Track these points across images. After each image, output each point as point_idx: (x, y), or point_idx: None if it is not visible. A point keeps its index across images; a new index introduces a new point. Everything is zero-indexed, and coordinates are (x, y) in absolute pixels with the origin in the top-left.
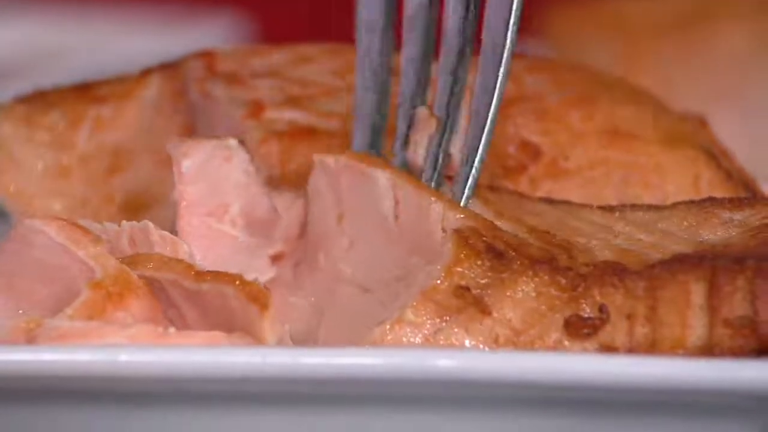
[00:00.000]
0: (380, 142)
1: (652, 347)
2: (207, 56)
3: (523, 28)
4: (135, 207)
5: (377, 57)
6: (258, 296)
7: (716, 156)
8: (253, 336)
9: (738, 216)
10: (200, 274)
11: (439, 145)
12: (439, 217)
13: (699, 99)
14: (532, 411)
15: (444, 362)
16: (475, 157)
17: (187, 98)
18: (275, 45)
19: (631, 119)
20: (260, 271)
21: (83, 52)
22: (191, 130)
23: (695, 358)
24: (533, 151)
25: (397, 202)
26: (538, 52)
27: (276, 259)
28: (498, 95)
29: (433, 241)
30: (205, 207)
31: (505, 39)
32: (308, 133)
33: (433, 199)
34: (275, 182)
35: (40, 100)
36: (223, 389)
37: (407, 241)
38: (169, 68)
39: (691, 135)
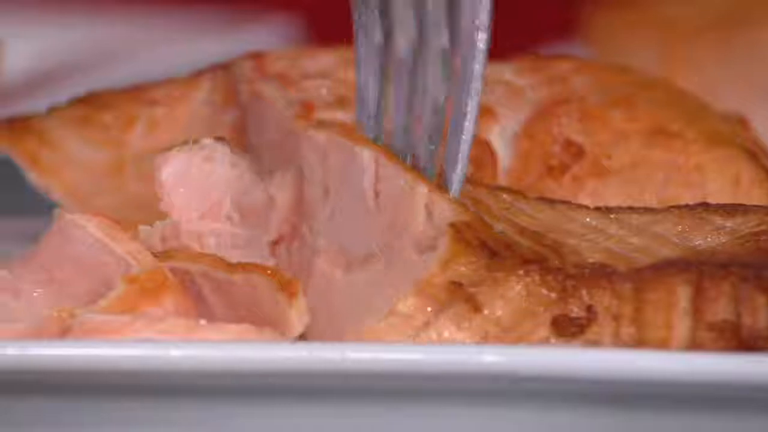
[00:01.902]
0: (381, 126)
1: (636, 348)
2: (257, 58)
3: (566, 30)
4: None
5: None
6: (287, 285)
7: (757, 155)
8: (280, 325)
9: (729, 223)
10: (232, 265)
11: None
12: (423, 199)
13: (740, 99)
14: (569, 405)
15: (490, 358)
16: (458, 154)
17: (237, 99)
18: (324, 47)
19: (673, 119)
20: (261, 261)
21: (137, 55)
22: (242, 131)
23: (743, 353)
24: (576, 151)
25: (378, 179)
26: (581, 54)
27: (275, 244)
28: (475, 90)
29: (417, 224)
30: (197, 210)
31: (480, 33)
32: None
33: (415, 179)
34: None
35: (95, 101)
36: (265, 383)
37: (387, 217)
38: (220, 70)
39: (732, 134)
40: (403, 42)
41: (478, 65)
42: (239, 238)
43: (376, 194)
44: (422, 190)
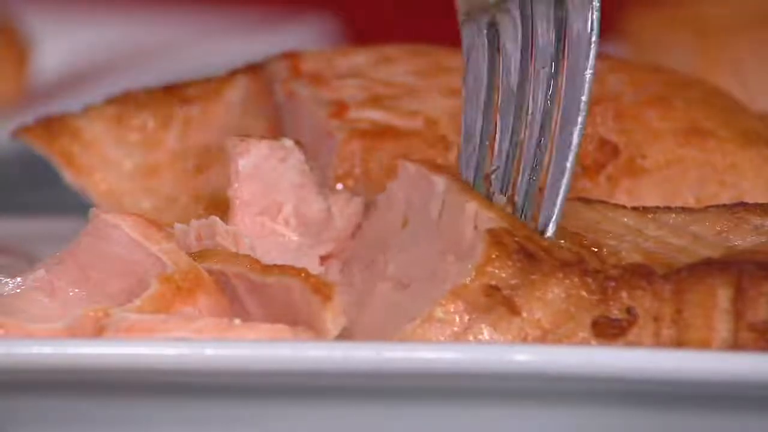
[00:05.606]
0: (483, 168)
1: (676, 348)
2: (291, 57)
3: (601, 29)
4: (223, 205)
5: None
6: (321, 288)
7: None
8: (315, 329)
9: None
10: (267, 267)
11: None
12: (472, 215)
13: None
14: (609, 405)
15: (522, 356)
16: (560, 187)
17: (272, 98)
18: (359, 46)
19: (708, 118)
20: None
21: (172, 54)
22: (277, 130)
23: None
24: (611, 150)
25: (444, 204)
26: (617, 53)
27: (325, 259)
28: (579, 129)
29: (464, 239)
30: (259, 206)
31: (585, 77)
32: (390, 132)
33: (468, 197)
34: (357, 180)
35: (130, 100)
36: (299, 383)
37: (444, 238)
38: (255, 69)
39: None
40: (511, 76)
41: (581, 117)
42: (292, 242)
43: (439, 217)
44: (472, 206)
